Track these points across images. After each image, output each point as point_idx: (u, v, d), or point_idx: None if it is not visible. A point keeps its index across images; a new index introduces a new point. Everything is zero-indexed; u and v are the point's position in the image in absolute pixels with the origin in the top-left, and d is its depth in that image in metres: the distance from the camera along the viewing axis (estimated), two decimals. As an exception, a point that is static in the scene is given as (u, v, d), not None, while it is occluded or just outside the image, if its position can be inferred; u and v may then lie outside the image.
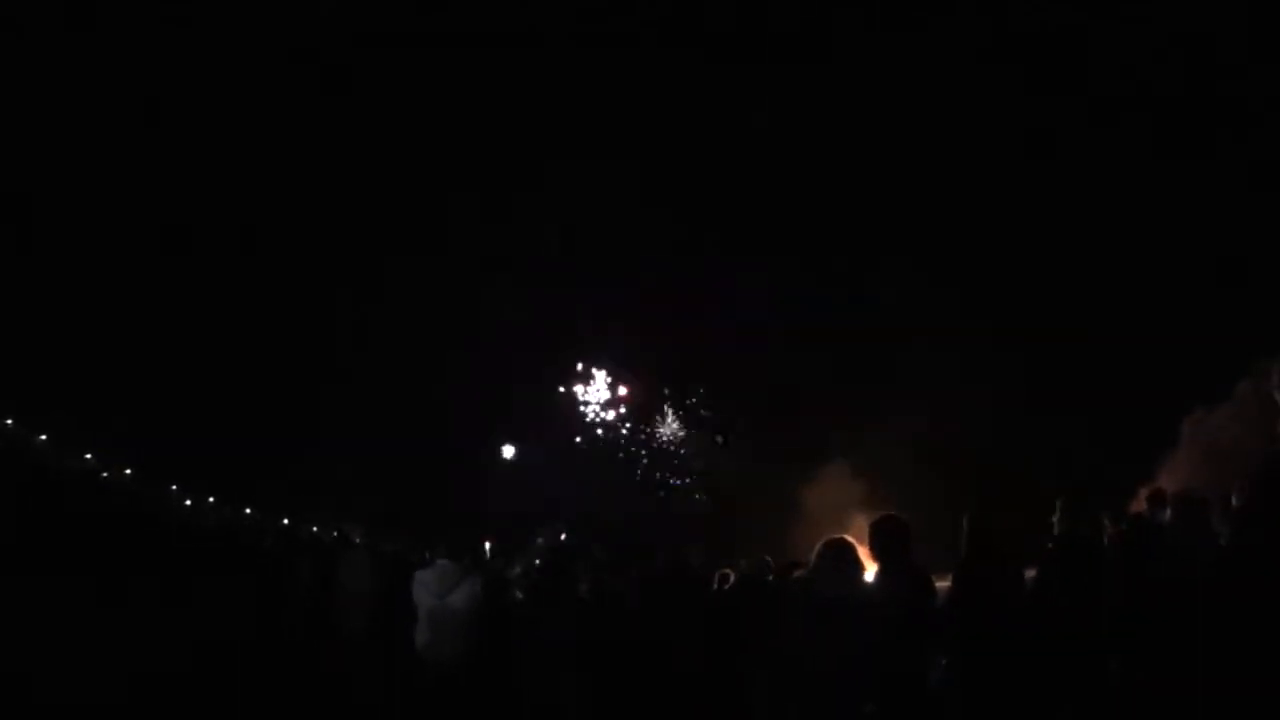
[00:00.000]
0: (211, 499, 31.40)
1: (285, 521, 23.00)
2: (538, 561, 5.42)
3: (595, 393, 32.73)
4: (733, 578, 6.26)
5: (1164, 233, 25.97)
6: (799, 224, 31.67)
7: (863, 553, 3.90)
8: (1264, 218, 23.35)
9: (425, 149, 35.48)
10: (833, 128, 31.55)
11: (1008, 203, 29.44)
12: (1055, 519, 5.31)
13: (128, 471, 32.08)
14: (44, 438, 29.97)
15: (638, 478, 32.25)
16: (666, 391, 32.87)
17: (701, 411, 32.69)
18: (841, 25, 31.33)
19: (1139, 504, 8.04)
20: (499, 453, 29.74)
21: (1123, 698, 4.67)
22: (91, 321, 32.69)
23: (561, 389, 32.75)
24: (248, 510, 26.22)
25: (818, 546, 3.70)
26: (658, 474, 32.20)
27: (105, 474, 29.93)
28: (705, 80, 33.21)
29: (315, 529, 15.92)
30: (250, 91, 33.35)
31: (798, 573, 4.48)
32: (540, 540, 6.02)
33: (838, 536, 3.72)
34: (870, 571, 4.03)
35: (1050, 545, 5.26)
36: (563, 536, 5.96)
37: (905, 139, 30.66)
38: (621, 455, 32.64)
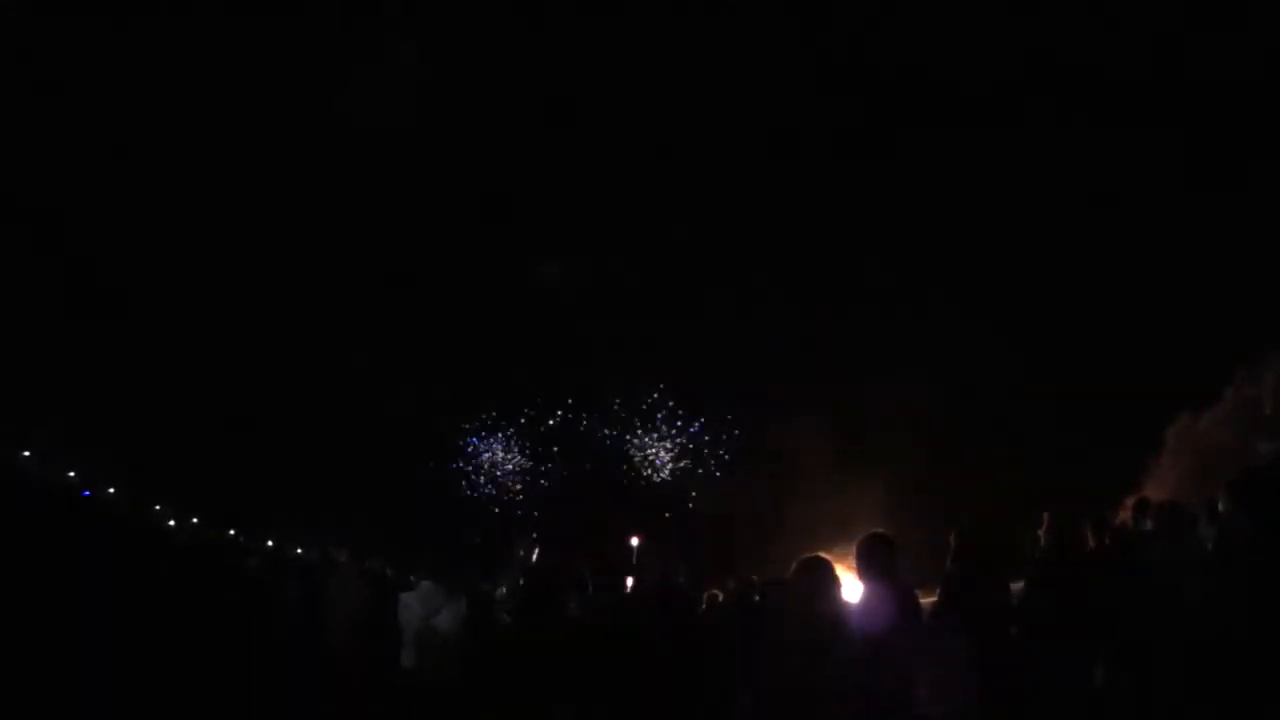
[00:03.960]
0: (195, 519, 31.12)
1: (270, 543, 22.83)
2: (522, 581, 5.39)
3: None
4: (720, 597, 6.25)
5: (1153, 240, 26.26)
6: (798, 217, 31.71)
7: (846, 569, 3.89)
8: (1248, 227, 23.65)
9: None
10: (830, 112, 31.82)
11: (999, 212, 29.70)
12: (1041, 532, 5.33)
13: (111, 490, 31.76)
14: (27, 454, 29.65)
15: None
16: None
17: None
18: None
19: (1124, 513, 8.08)
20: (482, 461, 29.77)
21: (1108, 706, 4.68)
22: (77, 339, 32.50)
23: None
24: (232, 531, 26.00)
25: (794, 565, 3.68)
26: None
27: (89, 492, 29.60)
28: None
29: (300, 550, 15.79)
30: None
31: (779, 591, 4.47)
32: (521, 553, 5.98)
33: (813, 555, 3.70)
34: (855, 588, 4.02)
35: (1037, 557, 5.28)
36: (536, 550, 5.93)
37: (912, 135, 30.91)
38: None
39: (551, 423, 32.93)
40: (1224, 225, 24.61)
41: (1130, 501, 7.64)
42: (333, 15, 34.61)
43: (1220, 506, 5.37)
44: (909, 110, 31.81)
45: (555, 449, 32.80)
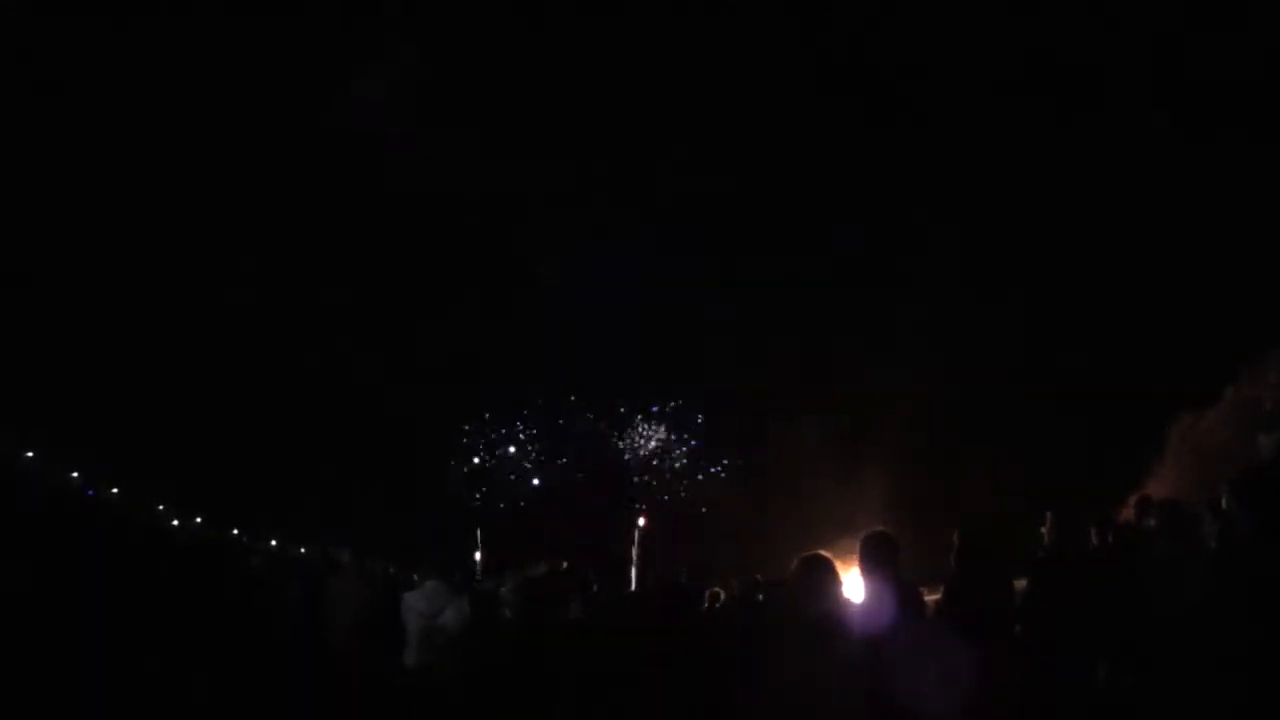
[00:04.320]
0: (199, 519, 31.16)
1: (273, 542, 22.88)
2: (525, 580, 5.40)
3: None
4: (723, 596, 6.26)
5: (1152, 235, 26.24)
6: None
7: (845, 567, 3.89)
8: (1250, 224, 23.63)
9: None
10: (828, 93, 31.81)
11: (996, 209, 29.70)
12: (1045, 530, 5.34)
13: (114, 490, 31.81)
14: (30, 455, 29.70)
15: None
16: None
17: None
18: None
19: (1128, 511, 8.09)
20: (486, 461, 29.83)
21: (1112, 705, 4.68)
22: (80, 338, 32.55)
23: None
24: (235, 530, 26.04)
25: (795, 563, 3.68)
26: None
27: (91, 492, 29.63)
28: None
29: (303, 549, 15.80)
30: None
31: (780, 590, 4.47)
32: (542, 566, 6.00)
33: (814, 552, 3.70)
34: (856, 585, 4.02)
35: (1040, 555, 5.29)
36: (565, 565, 5.95)
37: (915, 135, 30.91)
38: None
39: (561, 423, 32.94)
40: (1226, 223, 24.63)
41: (1133, 500, 7.64)
42: (331, 16, 34.60)
43: (1223, 505, 5.36)
44: (909, 110, 31.84)
45: (561, 448, 32.83)
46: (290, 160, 33.37)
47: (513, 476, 32.24)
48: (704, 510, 31.10)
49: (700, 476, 32.36)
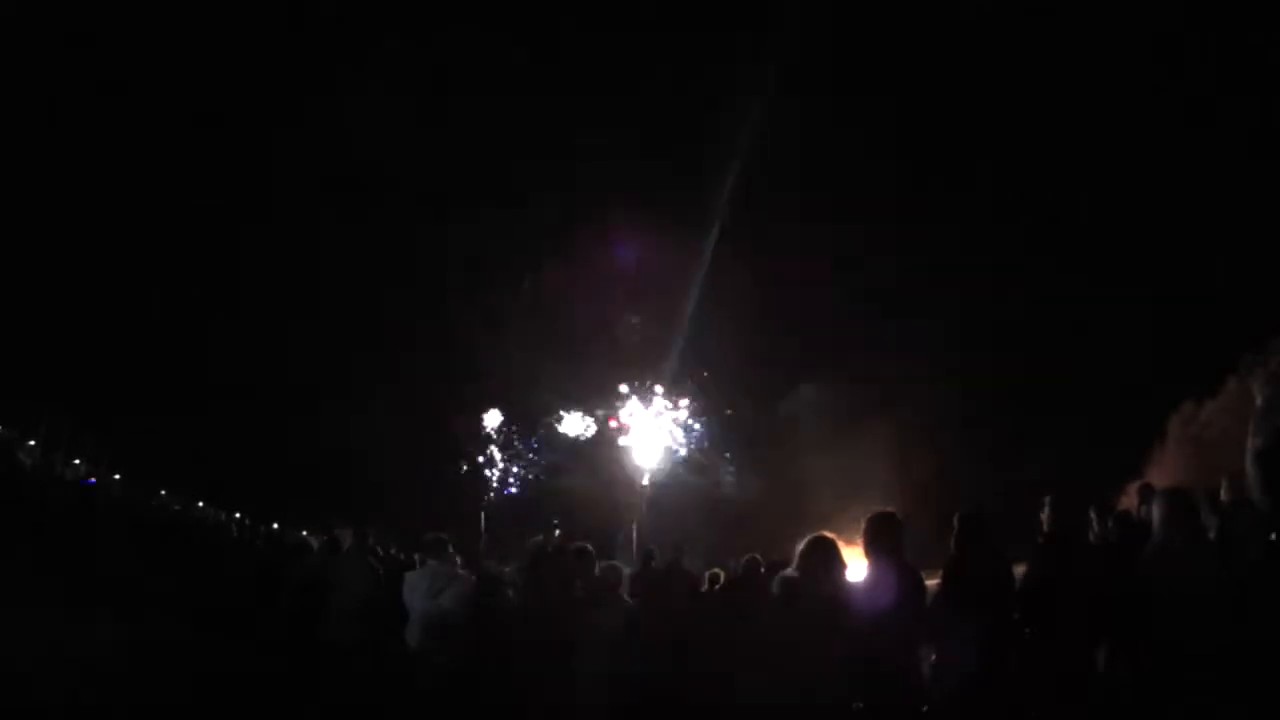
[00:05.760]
0: (201, 503, 31.28)
1: (275, 525, 23.00)
2: (529, 561, 5.43)
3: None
4: (723, 577, 6.28)
5: (1153, 226, 26.21)
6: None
7: (848, 548, 3.92)
8: (1253, 212, 23.59)
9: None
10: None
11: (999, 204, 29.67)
12: (1044, 515, 5.35)
13: (116, 476, 31.91)
14: (32, 443, 29.77)
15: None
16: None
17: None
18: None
19: (1129, 499, 8.10)
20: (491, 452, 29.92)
21: (1112, 691, 4.70)
22: (80, 324, 32.59)
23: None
24: (238, 514, 26.14)
25: (800, 546, 3.72)
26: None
27: (94, 479, 29.72)
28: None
29: (305, 532, 15.88)
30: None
31: (784, 572, 4.50)
32: (539, 539, 6.04)
33: (820, 534, 3.74)
34: (859, 567, 4.05)
35: (1039, 541, 5.30)
36: (556, 533, 5.99)
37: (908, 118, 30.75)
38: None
39: (560, 414, 32.97)
40: (1229, 216, 24.59)
41: (1134, 487, 7.64)
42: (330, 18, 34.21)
43: (1223, 495, 5.37)
44: (906, 99, 31.62)
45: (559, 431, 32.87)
46: (287, 156, 33.31)
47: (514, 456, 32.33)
48: (706, 493, 31.15)
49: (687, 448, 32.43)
